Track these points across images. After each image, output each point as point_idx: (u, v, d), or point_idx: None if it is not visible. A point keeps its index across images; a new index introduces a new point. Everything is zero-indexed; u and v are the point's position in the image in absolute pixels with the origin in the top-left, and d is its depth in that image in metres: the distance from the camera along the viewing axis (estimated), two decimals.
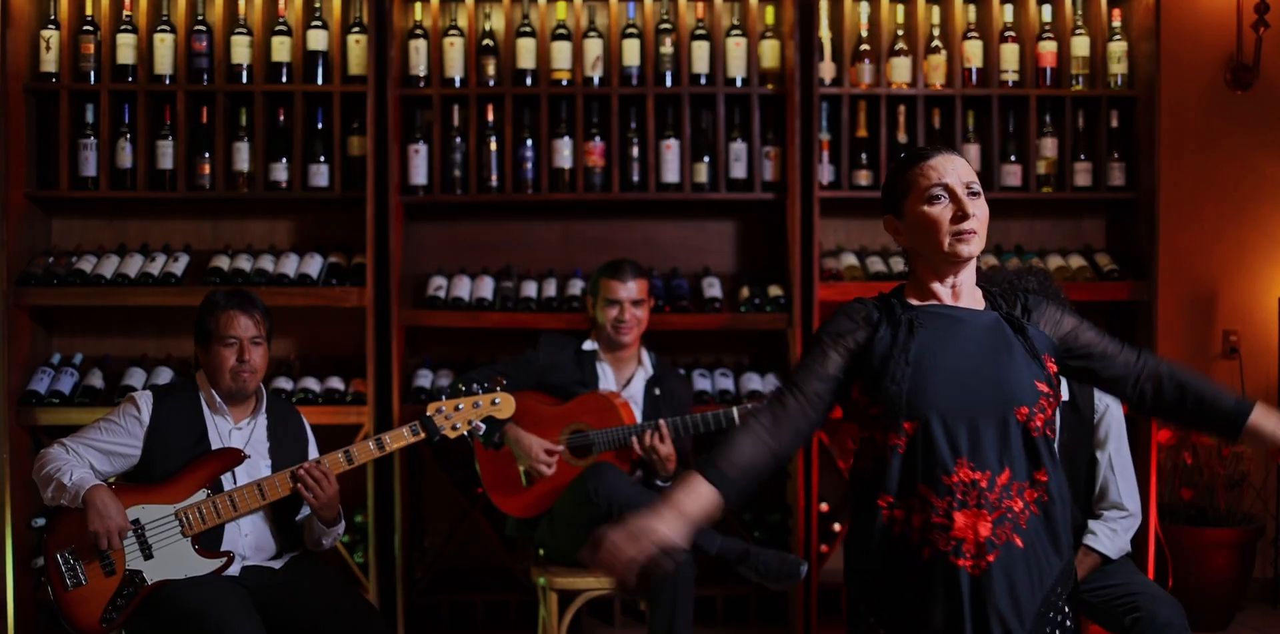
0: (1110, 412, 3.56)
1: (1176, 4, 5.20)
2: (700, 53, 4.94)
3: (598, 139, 4.92)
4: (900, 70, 4.98)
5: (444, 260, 5.10)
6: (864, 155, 5.00)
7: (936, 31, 5.01)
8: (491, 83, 4.94)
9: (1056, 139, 5.03)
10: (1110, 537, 3.51)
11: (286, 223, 5.10)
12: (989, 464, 2.38)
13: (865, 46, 4.99)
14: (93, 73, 4.82)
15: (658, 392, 4.34)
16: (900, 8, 5.05)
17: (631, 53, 4.94)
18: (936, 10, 5.02)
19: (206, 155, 4.86)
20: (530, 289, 4.93)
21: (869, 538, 2.45)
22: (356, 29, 4.89)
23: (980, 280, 2.57)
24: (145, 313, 4.98)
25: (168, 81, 4.85)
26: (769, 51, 4.98)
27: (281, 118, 4.91)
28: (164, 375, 4.78)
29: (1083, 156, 5.03)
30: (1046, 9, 5.08)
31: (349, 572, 4.79)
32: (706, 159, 4.96)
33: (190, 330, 3.67)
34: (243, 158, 4.86)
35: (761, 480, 2.45)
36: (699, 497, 2.38)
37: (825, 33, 4.96)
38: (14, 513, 4.66)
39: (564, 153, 4.92)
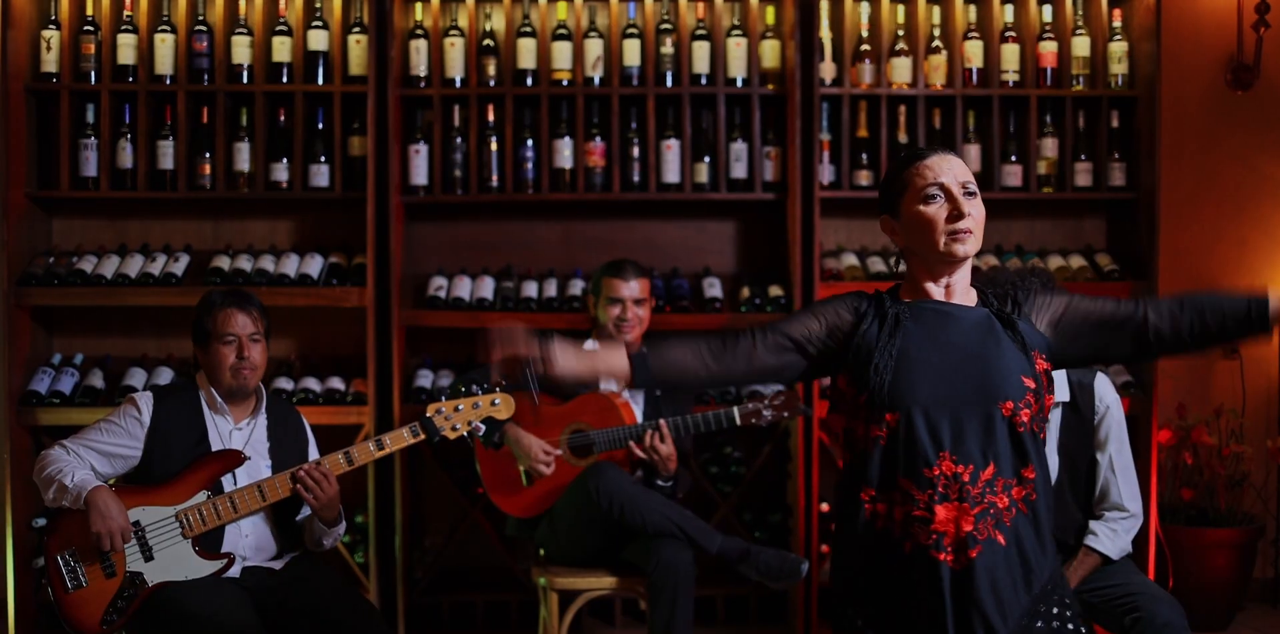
0: (1111, 412, 3.56)
1: (1177, 4, 5.20)
2: (701, 53, 4.95)
3: (598, 139, 4.92)
4: (901, 70, 4.98)
5: (445, 260, 5.10)
6: (864, 155, 5.00)
7: (937, 32, 5.01)
8: (492, 83, 4.94)
9: (1057, 139, 5.03)
10: (1111, 537, 3.51)
11: (287, 223, 5.10)
12: (972, 458, 2.37)
13: (866, 47, 4.99)
14: (93, 73, 4.83)
15: (658, 392, 4.33)
16: (901, 8, 5.05)
17: (632, 53, 4.94)
18: (937, 10, 5.02)
19: (207, 155, 4.86)
20: (531, 289, 4.93)
21: (853, 533, 2.46)
22: (357, 29, 4.89)
23: (982, 281, 2.57)
24: (146, 313, 4.99)
25: (168, 82, 4.85)
26: (769, 52, 4.98)
27: (282, 118, 4.92)
28: (164, 375, 4.78)
29: (1083, 157, 5.03)
30: (1047, 9, 5.07)
31: (349, 572, 4.79)
32: (707, 159, 4.96)
33: (190, 331, 3.67)
34: (243, 158, 4.86)
35: (671, 384, 2.50)
36: (608, 355, 2.49)
37: (826, 33, 4.96)
38: (15, 513, 4.66)
39: (564, 153, 4.92)
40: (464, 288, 4.91)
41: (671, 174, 4.93)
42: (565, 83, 4.93)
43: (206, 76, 4.86)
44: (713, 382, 2.51)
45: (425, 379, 4.90)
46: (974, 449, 2.38)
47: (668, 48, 4.95)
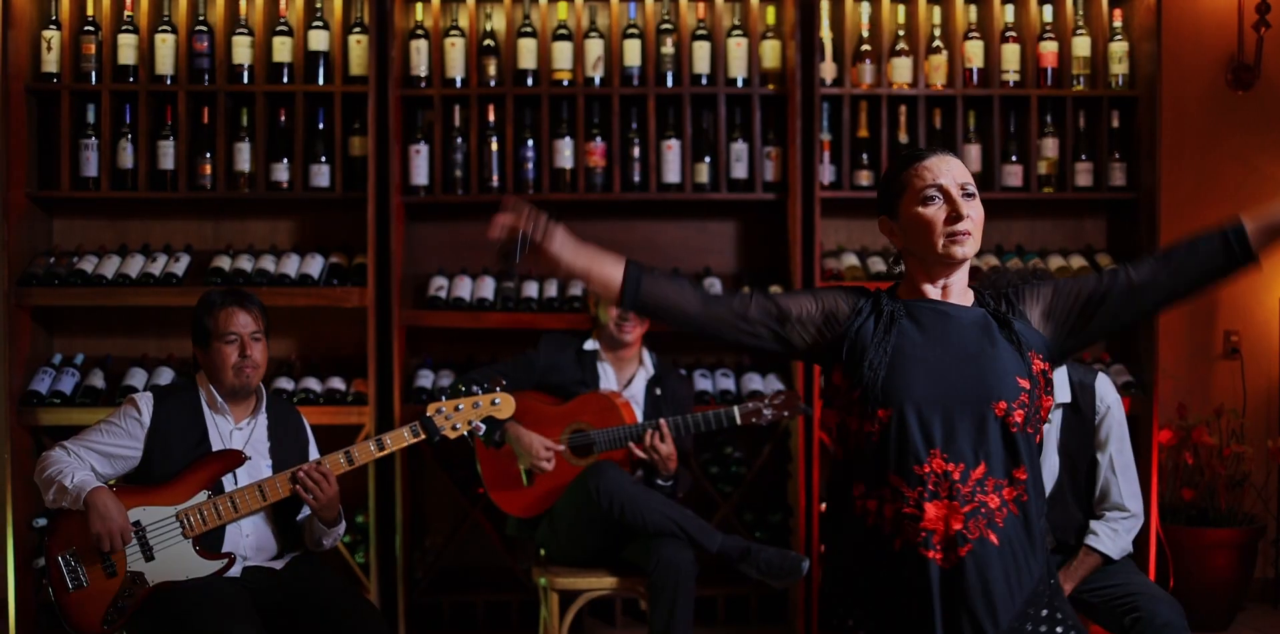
0: (1112, 412, 3.56)
1: (1177, 4, 5.20)
2: (701, 53, 4.95)
3: (599, 139, 4.93)
4: (901, 70, 4.98)
5: (445, 260, 5.10)
6: (865, 155, 5.00)
7: (937, 32, 5.01)
8: (492, 83, 4.94)
9: (1057, 139, 5.03)
10: (1112, 537, 3.51)
11: (288, 223, 5.11)
12: (963, 456, 2.36)
13: (866, 47, 4.99)
14: (94, 73, 4.83)
15: (659, 392, 4.34)
16: (901, 8, 5.05)
17: (632, 53, 4.94)
18: (937, 10, 5.02)
19: (208, 155, 4.86)
20: (531, 289, 4.93)
21: (844, 530, 2.46)
22: (358, 29, 4.89)
23: (984, 282, 2.57)
24: (146, 313, 4.99)
25: (169, 82, 4.85)
26: (770, 52, 4.98)
27: (283, 118, 4.92)
28: (165, 376, 4.78)
29: (1084, 157, 5.03)
30: (1047, 9, 5.08)
31: (350, 572, 4.79)
32: (707, 159, 4.97)
33: (190, 331, 3.67)
34: (244, 158, 4.86)
35: (655, 312, 2.48)
36: (606, 262, 2.50)
37: (826, 33, 4.96)
38: (15, 513, 4.66)
39: (565, 153, 4.92)
40: (464, 288, 4.91)
41: (672, 174, 4.93)
42: (566, 83, 4.93)
43: (207, 77, 4.86)
44: (694, 323, 2.49)
45: (426, 379, 4.90)
46: (965, 448, 2.37)
47: (668, 48, 4.95)
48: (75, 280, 4.75)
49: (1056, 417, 3.54)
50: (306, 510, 3.61)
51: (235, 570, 3.48)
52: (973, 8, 5.04)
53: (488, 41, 4.95)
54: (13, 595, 4.67)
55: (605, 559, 4.09)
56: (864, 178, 4.98)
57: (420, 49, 4.92)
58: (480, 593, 4.96)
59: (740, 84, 4.96)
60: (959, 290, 2.50)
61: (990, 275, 3.51)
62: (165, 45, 4.85)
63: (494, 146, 4.92)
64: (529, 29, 4.93)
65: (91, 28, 4.82)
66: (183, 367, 4.85)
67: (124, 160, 4.84)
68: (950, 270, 2.47)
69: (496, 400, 3.64)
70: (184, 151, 4.85)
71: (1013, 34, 5.02)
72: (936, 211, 2.43)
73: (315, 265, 4.84)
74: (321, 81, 4.90)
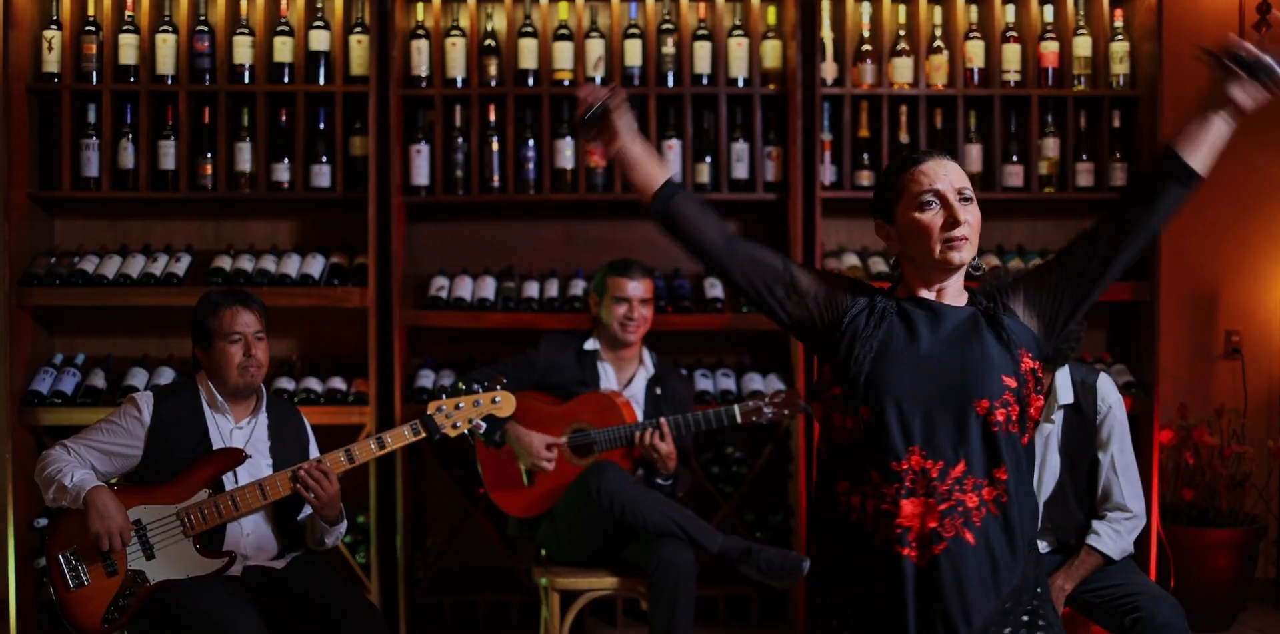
0: (1113, 412, 3.56)
1: (1178, 4, 5.20)
2: (702, 53, 4.95)
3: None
4: (902, 70, 4.98)
5: (446, 260, 5.10)
6: (866, 155, 5.00)
7: (938, 32, 5.01)
8: (493, 83, 4.94)
9: (1058, 139, 5.02)
10: (1113, 537, 3.50)
11: (288, 223, 5.11)
12: (943, 455, 2.36)
13: (867, 47, 4.99)
14: (95, 73, 4.83)
15: (659, 391, 4.34)
16: (902, 8, 5.05)
17: (633, 53, 4.94)
18: (938, 10, 5.02)
19: (208, 155, 4.86)
20: (532, 289, 4.93)
21: (829, 527, 2.46)
22: (358, 29, 4.89)
23: (984, 283, 2.57)
24: (147, 313, 4.99)
25: (170, 82, 4.86)
26: (771, 52, 4.98)
27: (283, 118, 4.92)
28: (166, 375, 4.78)
29: (1085, 157, 5.03)
30: (1048, 9, 5.07)
31: (351, 572, 4.79)
32: (708, 159, 4.97)
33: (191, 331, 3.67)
34: (245, 158, 4.87)
35: (676, 229, 2.49)
36: (655, 163, 2.53)
37: (827, 33, 4.97)
38: (16, 513, 4.66)
39: (566, 153, 4.92)
40: (465, 288, 4.91)
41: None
42: (566, 83, 4.93)
43: (208, 77, 4.87)
44: (708, 251, 2.50)
45: (427, 379, 4.90)
46: (945, 446, 2.36)
47: (669, 48, 4.96)
48: (76, 280, 4.75)
49: (1058, 417, 3.54)
50: (308, 510, 3.61)
51: (236, 569, 3.49)
52: (974, 8, 5.04)
53: (489, 41, 4.95)
54: (14, 594, 4.68)
55: (606, 559, 4.09)
56: (865, 178, 4.98)
57: (421, 49, 4.92)
58: (481, 593, 4.96)
59: (741, 84, 4.96)
60: (954, 292, 2.49)
61: (989, 275, 3.51)
62: (166, 45, 4.85)
63: (495, 146, 4.93)
64: (530, 29, 4.93)
65: (92, 28, 4.82)
66: (183, 366, 4.85)
67: (125, 160, 4.84)
68: (946, 275, 2.47)
69: (497, 399, 3.64)
70: (185, 151, 4.85)
71: (1014, 34, 5.02)
72: (933, 217, 2.43)
73: (316, 265, 4.84)
74: (322, 81, 4.90)
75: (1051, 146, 5.02)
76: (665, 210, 2.49)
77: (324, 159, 4.88)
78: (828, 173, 4.96)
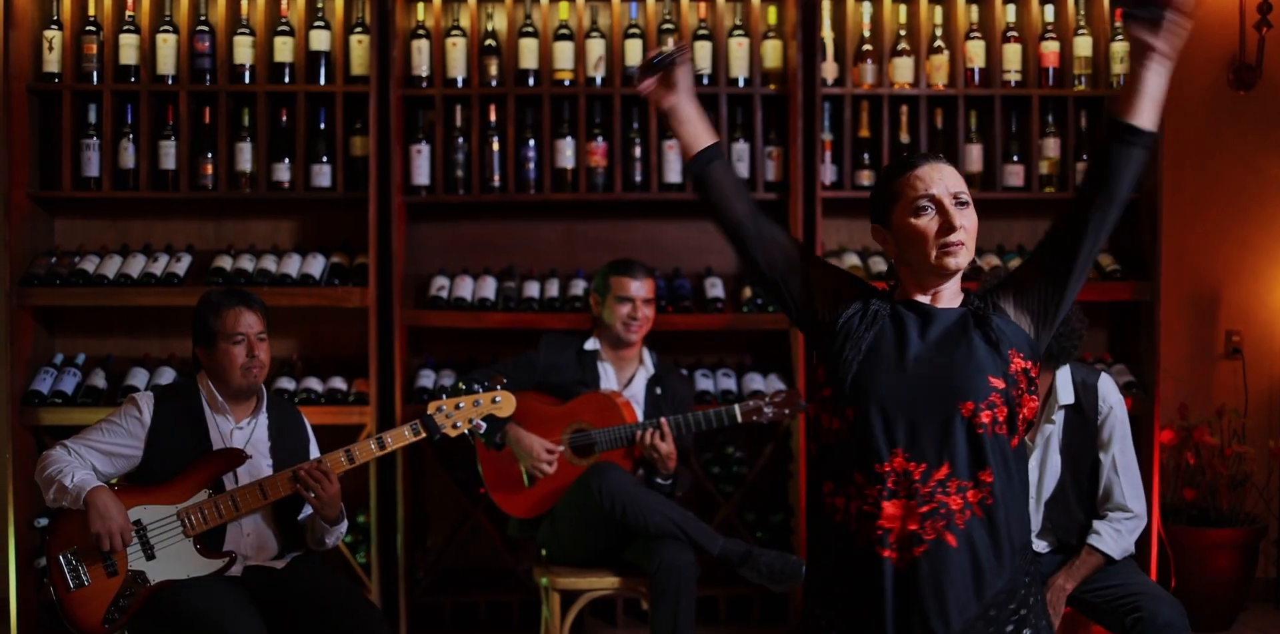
0: (1114, 413, 3.56)
1: None
2: (703, 53, 4.95)
3: (600, 139, 4.93)
4: (903, 70, 4.98)
5: (446, 260, 5.10)
6: (866, 155, 5.00)
7: (939, 32, 5.00)
8: (494, 83, 4.94)
9: (1059, 139, 5.02)
10: (1114, 537, 3.50)
11: (289, 223, 5.11)
12: (926, 457, 2.35)
13: (868, 47, 4.99)
14: (95, 73, 4.83)
15: (659, 391, 4.34)
16: (903, 8, 5.05)
17: (634, 53, 4.94)
18: (939, 10, 5.02)
19: (209, 155, 4.86)
20: (533, 289, 4.93)
21: (816, 528, 2.47)
22: (359, 29, 4.89)
23: (984, 282, 2.56)
24: (148, 313, 4.99)
25: (170, 82, 4.86)
26: (771, 52, 4.98)
27: (284, 118, 4.92)
28: (166, 375, 4.78)
29: (1085, 157, 5.03)
30: (1049, 9, 5.07)
31: (351, 572, 4.79)
32: None
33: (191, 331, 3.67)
34: (245, 158, 4.87)
35: (709, 193, 2.53)
36: (705, 125, 2.58)
37: (828, 33, 4.96)
38: (17, 513, 4.67)
39: (566, 153, 4.92)
40: (466, 288, 4.91)
41: (673, 174, 4.93)
42: (567, 83, 4.93)
43: (208, 77, 4.87)
44: (736, 228, 2.53)
45: (427, 379, 4.90)
46: (929, 448, 2.35)
47: (669, 48, 4.94)
48: (77, 280, 4.75)
49: (1059, 417, 3.54)
50: (309, 510, 3.61)
51: (236, 569, 3.49)
52: (974, 8, 5.04)
53: (489, 41, 4.95)
54: (14, 594, 4.68)
55: (607, 560, 4.09)
56: (865, 178, 4.98)
57: (422, 49, 4.92)
58: (481, 593, 4.96)
59: (742, 84, 4.96)
60: (950, 295, 2.48)
61: (989, 276, 3.51)
62: (167, 45, 4.85)
63: (495, 146, 4.92)
64: (530, 29, 4.93)
65: (93, 28, 4.82)
66: (184, 366, 4.85)
67: (125, 160, 4.84)
68: (943, 280, 2.46)
69: (497, 399, 3.64)
70: (185, 151, 4.85)
71: (1014, 34, 5.02)
72: (929, 222, 2.41)
73: (317, 265, 4.84)
74: (323, 81, 4.90)
75: (1052, 146, 5.02)
76: (702, 173, 2.53)
77: (324, 159, 4.88)
78: (828, 173, 4.96)
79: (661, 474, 4.14)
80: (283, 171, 4.88)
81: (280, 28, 4.89)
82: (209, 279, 4.78)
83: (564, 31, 4.93)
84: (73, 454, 3.45)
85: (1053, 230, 2.45)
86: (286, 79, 4.89)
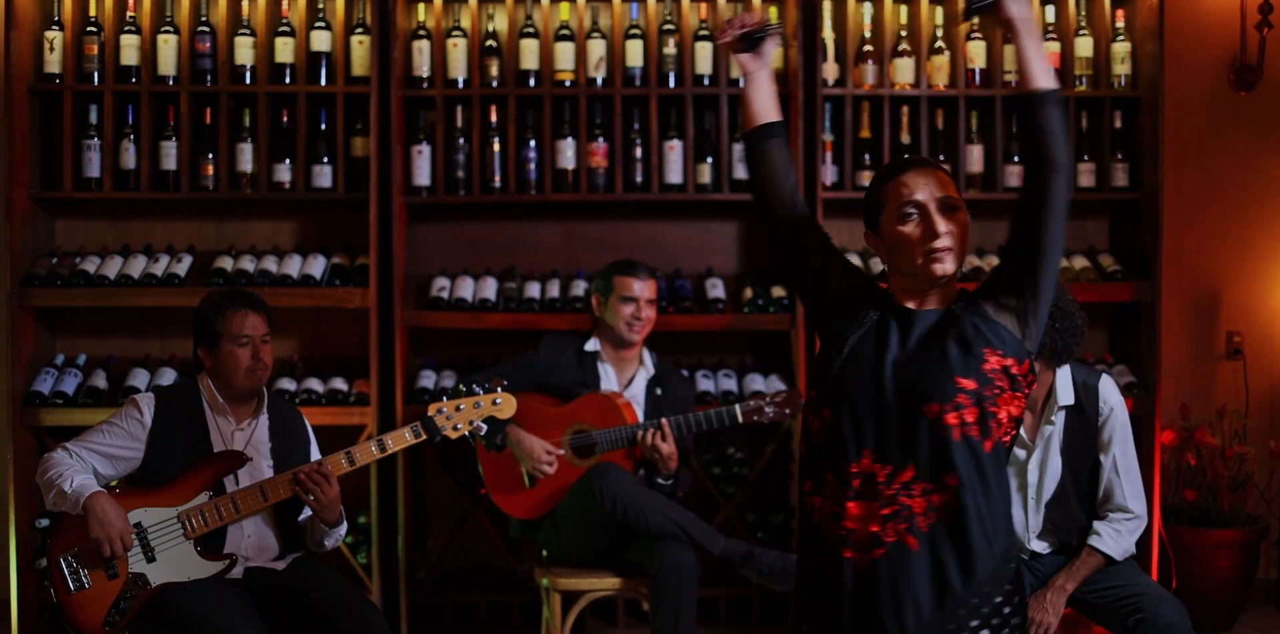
0: (1115, 414, 3.55)
1: (1180, 4, 5.20)
2: (703, 53, 4.94)
3: (601, 140, 4.92)
4: (903, 71, 4.97)
5: (447, 261, 5.10)
6: (867, 156, 4.99)
7: (939, 32, 5.00)
8: (495, 83, 4.94)
9: None
10: (1115, 538, 3.50)
11: (290, 224, 5.11)
12: (892, 459, 2.35)
13: (868, 47, 4.99)
14: (96, 74, 4.83)
15: (659, 392, 4.34)
16: (904, 8, 5.05)
17: (635, 53, 4.94)
18: (940, 11, 5.02)
19: (210, 156, 4.86)
20: (534, 290, 4.93)
21: (800, 527, 2.50)
22: (360, 30, 4.89)
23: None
24: (149, 314, 4.99)
25: (171, 82, 4.86)
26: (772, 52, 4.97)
27: (285, 118, 4.92)
28: (167, 376, 4.78)
29: (1086, 157, 5.03)
30: (1050, 9, 5.07)
31: (352, 573, 4.79)
32: (709, 160, 4.96)
33: (193, 331, 3.66)
34: (246, 159, 4.86)
35: (759, 165, 2.57)
36: (773, 103, 2.61)
37: (828, 33, 4.96)
38: (18, 514, 4.67)
39: (567, 153, 4.92)
40: (466, 288, 4.91)
41: (674, 175, 4.93)
42: (568, 83, 4.93)
43: (209, 77, 4.86)
44: (774, 207, 2.56)
45: (428, 380, 4.90)
46: (894, 450, 2.35)
47: (670, 48, 4.95)
48: (78, 281, 4.75)
49: (1060, 418, 3.54)
50: (308, 511, 3.61)
51: (237, 571, 3.49)
52: None
53: (490, 42, 4.95)
54: (15, 596, 4.68)
55: (608, 560, 4.09)
56: (866, 178, 4.97)
57: (422, 49, 4.92)
58: (482, 593, 4.96)
59: (742, 84, 4.94)
60: (941, 300, 2.48)
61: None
62: (167, 46, 4.85)
63: (496, 147, 4.92)
64: (531, 29, 4.93)
65: (94, 28, 4.82)
66: (184, 367, 4.85)
67: (126, 161, 4.84)
68: (932, 286, 2.45)
69: (498, 400, 3.64)
70: (186, 152, 4.85)
71: None
72: (914, 229, 2.42)
73: (317, 266, 4.84)
74: (324, 82, 4.90)
75: None
76: (757, 145, 2.56)
77: (325, 160, 4.88)
78: (829, 173, 4.96)
79: (662, 474, 4.14)
80: (283, 172, 4.88)
81: (281, 28, 4.88)
82: (210, 280, 4.78)
83: (565, 32, 4.93)
84: (73, 457, 3.45)
85: (1014, 220, 2.45)
86: (287, 80, 4.89)
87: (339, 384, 4.81)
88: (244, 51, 4.87)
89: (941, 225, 2.40)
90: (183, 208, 5.04)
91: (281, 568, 3.57)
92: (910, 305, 2.47)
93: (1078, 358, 3.63)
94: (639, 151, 4.94)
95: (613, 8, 4.96)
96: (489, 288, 4.90)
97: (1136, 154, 5.01)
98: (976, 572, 2.34)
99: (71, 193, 4.85)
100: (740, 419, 4.12)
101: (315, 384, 4.81)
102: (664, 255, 5.12)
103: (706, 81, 4.95)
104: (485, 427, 3.64)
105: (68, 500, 3.36)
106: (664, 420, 4.09)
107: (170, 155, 4.84)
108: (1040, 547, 3.58)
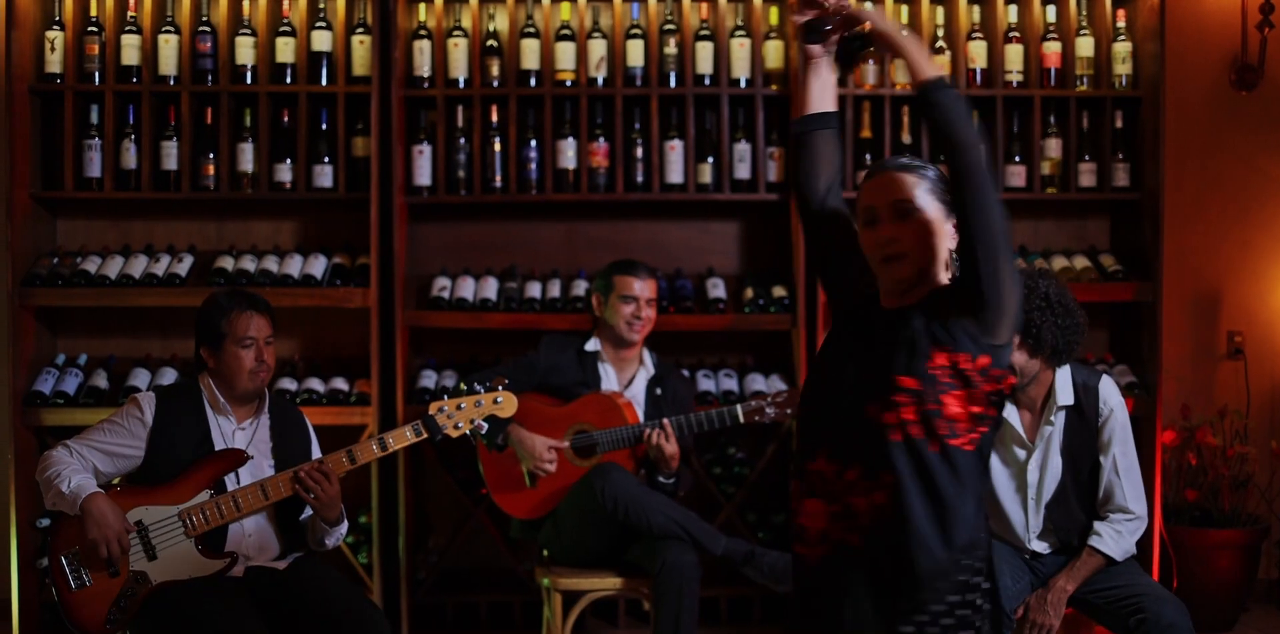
0: (1115, 415, 3.55)
1: (1181, 4, 5.20)
2: (704, 53, 4.94)
3: (601, 140, 4.92)
4: (904, 71, 4.96)
5: (448, 261, 5.10)
6: (868, 156, 4.99)
7: (940, 32, 5.00)
8: (495, 83, 4.94)
9: (1061, 140, 5.02)
10: (1115, 538, 3.50)
11: (291, 223, 5.11)
12: (840, 458, 2.39)
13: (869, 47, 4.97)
14: (97, 74, 4.83)
15: (659, 391, 4.34)
16: (904, 8, 5.04)
17: (635, 53, 4.94)
18: (940, 11, 5.02)
19: (211, 156, 4.86)
20: (534, 290, 4.93)
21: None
22: (361, 30, 4.89)
23: None
24: (150, 313, 4.99)
25: (172, 82, 4.86)
26: (773, 52, 4.98)
27: (286, 118, 4.92)
28: (168, 376, 4.78)
29: (1087, 157, 5.03)
30: (1051, 9, 5.07)
31: (353, 572, 4.79)
32: (710, 160, 4.96)
33: (195, 331, 3.66)
34: (247, 158, 4.87)
35: (804, 154, 2.60)
36: (831, 95, 2.64)
37: None
38: (19, 512, 4.67)
39: (568, 153, 4.92)
40: (467, 288, 4.91)
41: (675, 174, 4.93)
42: (569, 83, 4.93)
43: (210, 77, 4.87)
44: (811, 195, 2.59)
45: (429, 379, 4.90)
46: (842, 450, 2.39)
47: (671, 48, 4.95)
48: (79, 281, 4.75)
49: (1060, 418, 3.54)
50: (310, 510, 3.61)
51: (237, 570, 3.49)
52: (976, 8, 5.04)
53: (491, 42, 4.95)
54: (16, 595, 4.68)
55: (609, 560, 4.09)
56: None
57: (423, 49, 4.92)
58: (483, 593, 4.96)
59: (743, 84, 4.95)
60: (912, 301, 2.48)
61: None
62: (168, 46, 4.85)
63: (497, 147, 4.92)
64: (532, 29, 4.93)
65: (95, 28, 4.82)
66: (186, 367, 4.85)
67: (127, 161, 4.84)
68: (899, 287, 2.46)
69: (499, 399, 3.64)
70: (187, 152, 4.85)
71: (1016, 34, 5.02)
72: (869, 234, 2.46)
73: (318, 266, 4.85)
74: (324, 82, 4.90)
75: (1054, 147, 5.02)
76: (806, 134, 2.58)
77: (326, 159, 4.88)
78: None
79: (664, 474, 4.14)
80: (284, 172, 4.88)
81: (282, 28, 4.89)
82: (211, 280, 4.78)
83: (566, 32, 4.93)
84: (74, 455, 3.45)
85: (955, 213, 2.43)
86: (288, 79, 4.89)
87: (340, 384, 4.81)
88: (245, 51, 4.87)
89: (887, 230, 2.42)
90: (184, 208, 5.04)
91: (282, 567, 3.57)
92: (888, 305, 2.49)
93: (1078, 358, 3.63)
94: (640, 151, 4.94)
95: (614, 8, 4.96)
96: (490, 288, 4.91)
97: (1137, 154, 5.01)
98: (923, 572, 2.33)
99: (73, 193, 4.85)
100: (741, 419, 4.12)
101: (316, 384, 4.81)
102: (665, 255, 5.12)
103: (708, 81, 4.95)
104: (486, 425, 3.64)
105: (66, 501, 3.36)
106: (665, 420, 4.09)
107: (171, 155, 4.84)
108: (1041, 547, 3.58)
